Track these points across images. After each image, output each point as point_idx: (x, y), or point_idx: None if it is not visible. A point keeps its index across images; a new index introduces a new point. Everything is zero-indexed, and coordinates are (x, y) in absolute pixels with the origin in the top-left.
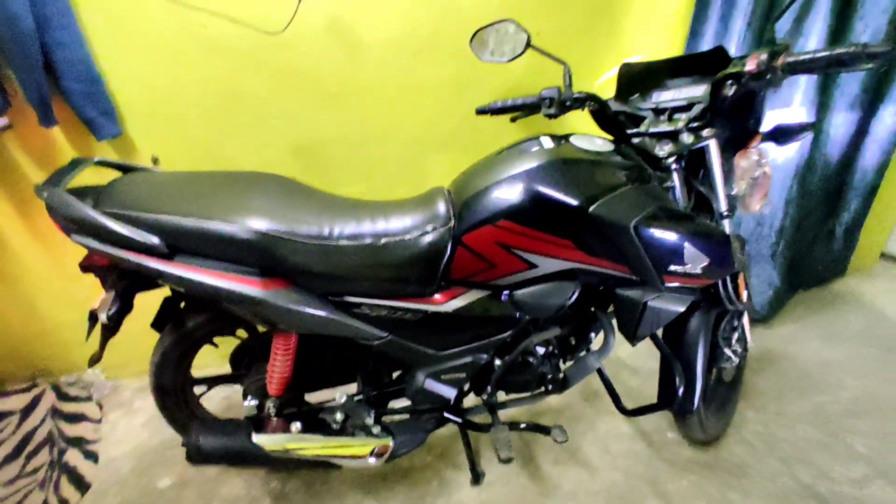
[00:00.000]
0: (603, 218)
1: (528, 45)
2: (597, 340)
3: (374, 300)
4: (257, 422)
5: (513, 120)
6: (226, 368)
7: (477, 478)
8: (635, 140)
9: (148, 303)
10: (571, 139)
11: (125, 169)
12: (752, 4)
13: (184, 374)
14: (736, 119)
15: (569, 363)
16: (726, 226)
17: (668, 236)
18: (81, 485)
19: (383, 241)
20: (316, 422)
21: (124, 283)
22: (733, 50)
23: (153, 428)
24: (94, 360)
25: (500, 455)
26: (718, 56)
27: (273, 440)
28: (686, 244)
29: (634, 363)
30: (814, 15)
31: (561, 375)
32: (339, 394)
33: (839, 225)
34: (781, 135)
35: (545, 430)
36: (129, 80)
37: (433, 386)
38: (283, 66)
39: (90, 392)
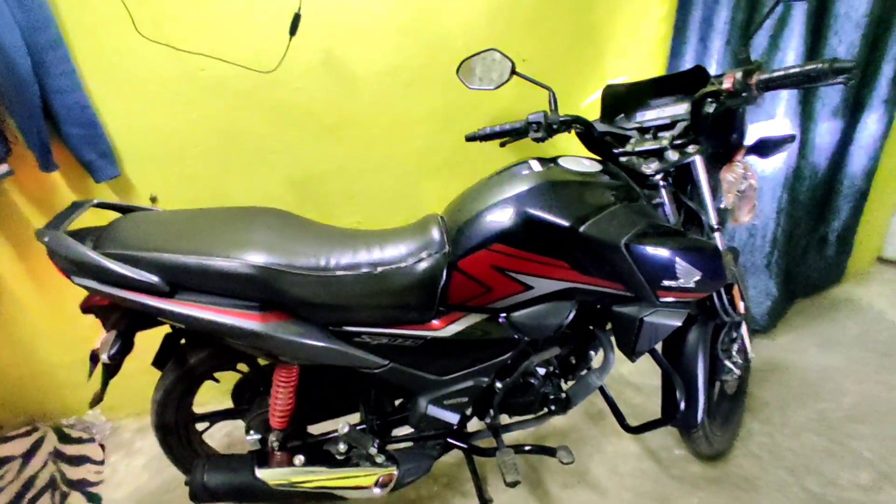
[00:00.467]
0: (594, 237)
1: (514, 72)
2: (597, 358)
3: (374, 328)
4: (261, 456)
5: (502, 145)
6: (227, 404)
7: None
8: (622, 159)
9: (145, 342)
10: (559, 161)
11: (124, 209)
12: (729, 24)
13: (186, 412)
14: (719, 134)
15: (570, 383)
16: (717, 239)
17: (659, 252)
18: None
19: (380, 269)
20: (319, 454)
21: (125, 322)
22: (714, 68)
23: (153, 469)
24: (96, 400)
25: (506, 479)
26: (698, 75)
27: (277, 474)
28: (677, 259)
29: (637, 380)
30: (788, 31)
31: (563, 395)
32: (342, 424)
33: (831, 231)
34: (765, 147)
35: (551, 452)
36: (127, 123)
37: (436, 412)
38: (279, 102)
39: (92, 433)
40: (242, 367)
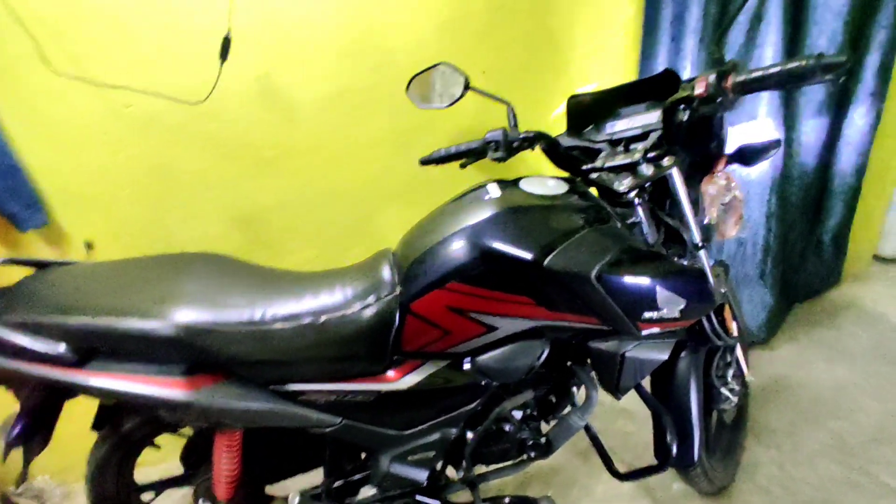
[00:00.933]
0: (561, 270)
1: (468, 87)
2: (580, 394)
3: (320, 385)
4: None
5: (462, 166)
6: (177, 469)
7: None
8: (593, 175)
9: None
10: (521, 183)
11: (38, 265)
12: (702, 22)
13: (126, 482)
14: (696, 143)
15: (552, 423)
16: (703, 257)
17: (636, 281)
18: None
19: (323, 318)
20: None
21: (37, 397)
22: (688, 69)
23: None
24: (20, 480)
25: None
26: (669, 79)
27: None
28: (658, 287)
29: (629, 405)
30: (765, 25)
31: (543, 439)
32: (292, 494)
33: (826, 232)
34: (748, 155)
35: (532, 503)
36: (53, 167)
37: (400, 469)
38: (215, 135)
39: (42, 501)
40: (187, 429)
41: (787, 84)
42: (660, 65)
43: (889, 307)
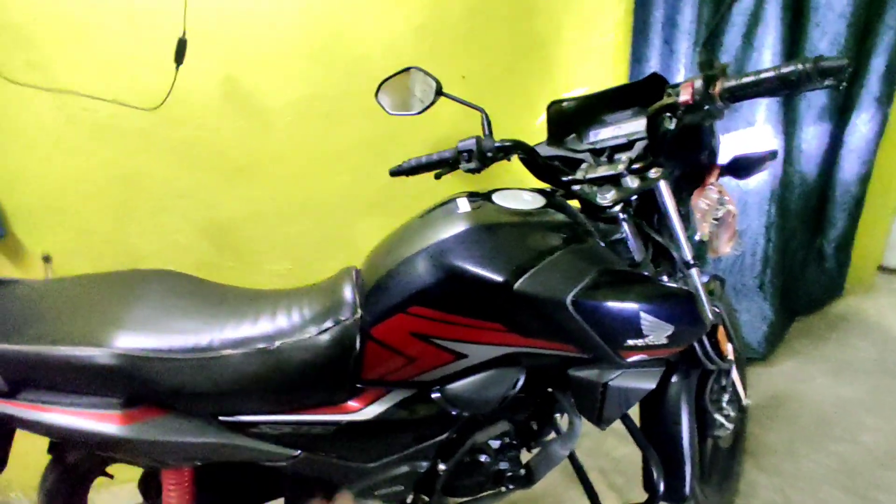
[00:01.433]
0: (533, 294)
1: (439, 93)
2: (563, 421)
3: (275, 416)
4: None
5: (437, 177)
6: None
7: None
8: (575, 188)
9: None
10: (494, 197)
11: None
12: (696, 23)
13: None
14: (685, 154)
15: (534, 450)
16: (694, 276)
17: (617, 307)
18: None
19: (277, 343)
20: None
21: None
22: (682, 73)
23: None
24: None
25: None
26: (655, 84)
27: None
28: (642, 313)
29: (621, 426)
30: (763, 27)
31: (523, 470)
32: None
33: (828, 243)
34: (742, 166)
35: None
36: (8, 176)
37: None
38: (179, 142)
39: None
40: None
41: (781, 90)
42: (652, 68)
43: (891, 318)
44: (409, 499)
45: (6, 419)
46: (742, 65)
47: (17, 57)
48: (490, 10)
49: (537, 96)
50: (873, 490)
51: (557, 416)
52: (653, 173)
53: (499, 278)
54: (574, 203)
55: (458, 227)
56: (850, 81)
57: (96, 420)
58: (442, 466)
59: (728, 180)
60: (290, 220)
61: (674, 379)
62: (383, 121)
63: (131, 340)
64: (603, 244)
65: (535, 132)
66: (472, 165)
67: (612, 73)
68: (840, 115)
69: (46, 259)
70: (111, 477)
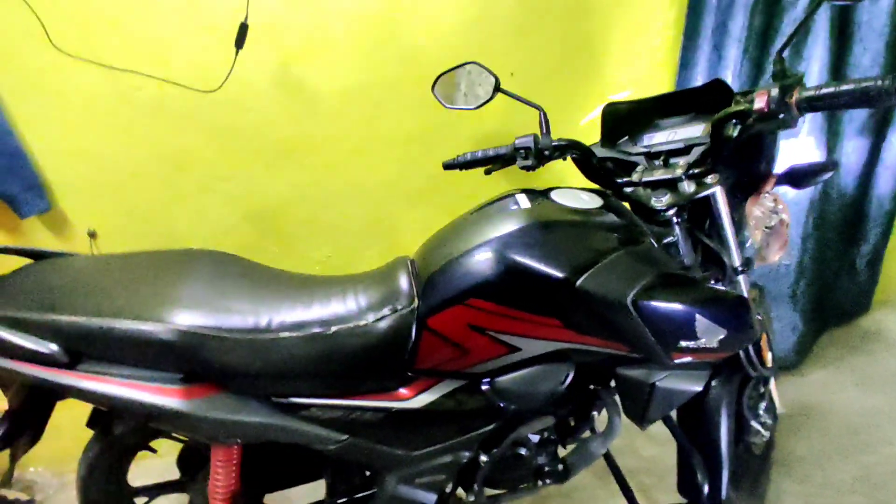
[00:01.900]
0: (594, 292)
1: (498, 88)
2: (601, 418)
3: (326, 400)
4: None
5: (487, 172)
6: (172, 471)
7: None
8: (627, 190)
9: None
10: (552, 195)
11: (35, 255)
12: (747, 31)
13: (119, 487)
14: (744, 161)
15: (569, 447)
16: (742, 283)
17: (674, 308)
18: None
19: (333, 329)
20: None
21: (23, 396)
22: (730, 79)
23: None
24: (4, 482)
25: None
26: (718, 90)
27: None
28: (697, 316)
29: (650, 427)
30: (813, 39)
31: (560, 465)
32: None
33: (860, 257)
34: (799, 176)
35: None
36: (57, 150)
37: (408, 492)
38: (229, 125)
39: (32, 494)
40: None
41: (858, 104)
42: (699, 73)
43: None
44: (449, 488)
45: (60, 390)
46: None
47: (73, 31)
48: (541, 8)
49: (583, 97)
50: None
51: (595, 414)
52: (710, 179)
53: (560, 275)
54: (625, 205)
55: (519, 223)
56: None
57: (158, 393)
58: (484, 458)
59: (784, 190)
60: (332, 207)
61: (714, 384)
62: (431, 113)
63: (191, 318)
64: (656, 246)
65: (579, 132)
66: (529, 163)
67: (660, 76)
68: (878, 131)
69: (92, 234)
70: (154, 451)
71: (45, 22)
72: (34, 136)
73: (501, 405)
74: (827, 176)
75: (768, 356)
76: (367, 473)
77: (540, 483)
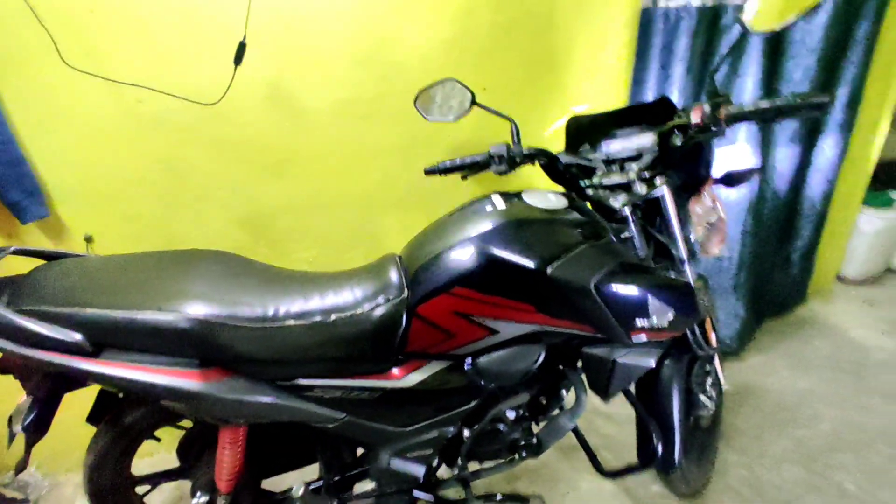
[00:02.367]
0: (562, 279)
1: (474, 102)
2: (569, 398)
3: (327, 381)
4: None
5: (464, 178)
6: (171, 461)
7: None
8: (589, 191)
9: (83, 391)
10: (524, 196)
11: (48, 256)
12: (689, 52)
13: (124, 474)
14: (686, 166)
15: (542, 424)
16: (688, 272)
17: (630, 292)
18: None
19: (333, 317)
20: None
21: (46, 385)
22: (675, 95)
23: None
24: (20, 467)
25: None
26: (664, 105)
27: None
28: (650, 298)
29: (609, 409)
30: (747, 58)
31: (534, 440)
32: (297, 485)
33: (794, 252)
34: (731, 178)
35: (523, 500)
36: (57, 159)
37: (399, 465)
38: (225, 136)
39: (26, 493)
40: (186, 422)
41: (776, 118)
42: (649, 89)
43: (848, 323)
44: (435, 462)
45: (85, 376)
46: (729, 89)
47: (78, 44)
48: (511, 30)
49: (548, 109)
50: (828, 470)
51: (563, 392)
52: (658, 181)
53: (533, 265)
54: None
55: (495, 221)
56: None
57: (177, 377)
58: (466, 433)
59: (720, 190)
60: (320, 213)
61: (667, 362)
62: (411, 125)
63: (205, 309)
64: (615, 240)
65: (544, 141)
66: (503, 168)
67: (615, 91)
68: (809, 138)
69: (88, 240)
70: (159, 440)
71: (53, 36)
72: (36, 146)
73: (482, 383)
74: (754, 178)
75: (712, 337)
76: (358, 455)
77: (517, 456)
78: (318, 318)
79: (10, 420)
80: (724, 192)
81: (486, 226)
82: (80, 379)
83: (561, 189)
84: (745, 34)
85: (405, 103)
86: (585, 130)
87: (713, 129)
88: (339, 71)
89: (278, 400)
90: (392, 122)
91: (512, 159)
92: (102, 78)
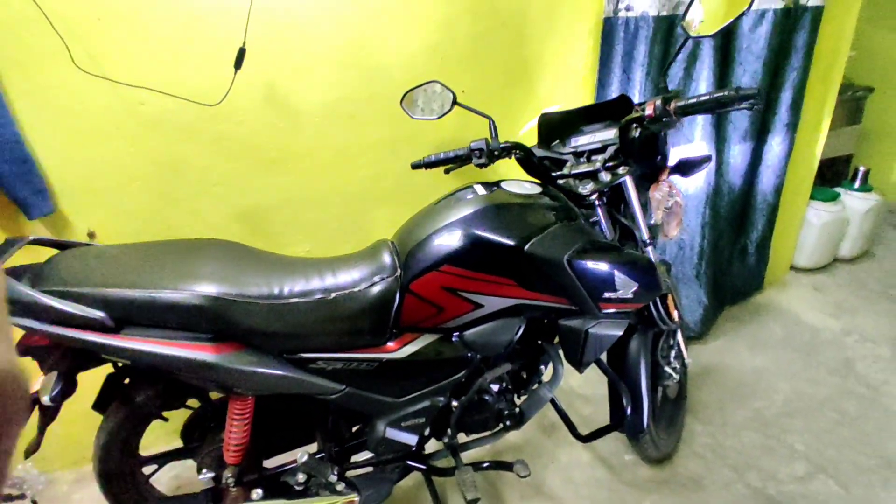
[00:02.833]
0: (538, 255)
1: (455, 102)
2: (547, 372)
3: (329, 353)
4: (215, 494)
5: (447, 172)
6: (173, 445)
7: None
8: (560, 181)
9: (80, 387)
10: (502, 185)
11: (62, 245)
12: (648, 58)
13: (132, 455)
14: (645, 157)
15: (523, 397)
16: (650, 253)
17: (598, 266)
18: None
19: (333, 295)
20: (277, 486)
21: (66, 362)
22: (637, 96)
23: None
24: (32, 449)
25: (466, 496)
26: (623, 103)
27: None
28: (616, 272)
29: (586, 392)
30: (700, 64)
31: (517, 410)
32: (301, 453)
33: (750, 242)
34: (685, 167)
35: (508, 466)
36: (62, 157)
37: (394, 434)
38: (222, 135)
39: (23, 490)
40: (193, 402)
41: (716, 108)
42: (613, 92)
43: (799, 307)
44: (427, 431)
45: (107, 350)
46: (684, 92)
47: (85, 49)
48: (489, 38)
49: (522, 110)
50: (781, 434)
51: (542, 367)
52: (621, 170)
53: (512, 243)
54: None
55: (478, 206)
56: (765, 110)
57: (193, 349)
58: (455, 403)
59: (676, 178)
60: (313, 208)
61: (634, 337)
62: (397, 124)
63: (218, 288)
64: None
65: (519, 140)
66: (482, 161)
67: (583, 94)
68: (759, 136)
69: (91, 235)
70: (166, 420)
71: (65, 40)
72: (42, 145)
73: (468, 354)
74: (706, 166)
75: (675, 313)
76: (354, 430)
77: (502, 426)
78: (319, 296)
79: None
80: (683, 185)
81: (469, 210)
82: (98, 355)
83: (535, 180)
84: (687, 38)
85: (389, 104)
86: (556, 127)
87: (664, 119)
88: (330, 74)
89: (285, 371)
90: (379, 122)
91: (491, 153)
92: (107, 80)
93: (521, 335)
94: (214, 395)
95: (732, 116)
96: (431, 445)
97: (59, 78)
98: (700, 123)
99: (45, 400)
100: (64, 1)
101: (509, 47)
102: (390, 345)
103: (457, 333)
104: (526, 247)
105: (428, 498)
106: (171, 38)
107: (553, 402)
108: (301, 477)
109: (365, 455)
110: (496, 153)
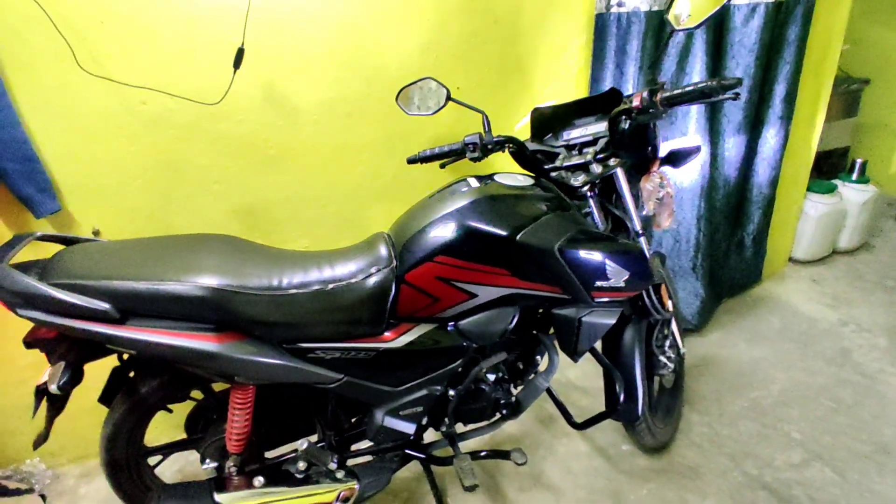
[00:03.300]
0: (530, 245)
1: (449, 98)
2: (543, 362)
3: (328, 343)
4: (219, 482)
5: (442, 166)
6: (176, 437)
7: None
8: (553, 174)
9: (86, 382)
10: (496, 178)
11: (68, 241)
12: (640, 52)
13: (137, 446)
14: (636, 148)
15: (519, 387)
16: (643, 243)
17: (590, 255)
18: None
19: (331, 286)
20: (279, 474)
21: (73, 354)
22: (630, 90)
23: None
24: (40, 440)
25: (464, 483)
26: (613, 96)
27: (237, 497)
28: (607, 261)
29: (583, 384)
30: (692, 58)
31: (513, 399)
32: (301, 441)
33: (747, 235)
34: (676, 158)
35: (505, 455)
36: (67, 157)
37: (392, 423)
38: (222, 134)
39: (31, 484)
40: (196, 394)
41: (700, 99)
42: (607, 85)
43: (797, 299)
44: (424, 420)
45: (112, 341)
46: (675, 85)
47: (88, 50)
48: (483, 35)
49: (517, 106)
50: (778, 422)
51: (538, 357)
52: (612, 162)
53: (505, 233)
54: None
55: (471, 198)
56: (759, 102)
57: (196, 340)
58: (452, 392)
59: (667, 169)
60: (311, 204)
61: (628, 326)
62: (393, 121)
63: (221, 280)
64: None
65: (514, 134)
66: (476, 155)
67: (576, 89)
68: (753, 128)
69: (96, 233)
70: (171, 411)
71: (69, 42)
72: (48, 144)
73: (464, 344)
74: (695, 156)
75: (668, 303)
76: (353, 419)
77: (498, 415)
78: (318, 287)
79: (39, 390)
80: (677, 177)
81: (463, 202)
82: (104, 346)
83: (529, 173)
84: (672, 31)
85: (385, 101)
86: (548, 121)
87: (651, 110)
88: (327, 73)
89: (285, 361)
90: (375, 119)
91: (484, 147)
92: (109, 80)
93: (516, 325)
94: (217, 387)
95: (726, 109)
96: (430, 435)
97: (63, 79)
98: (693, 117)
99: (53, 388)
100: (68, 5)
101: (503, 44)
102: (387, 334)
103: (452, 323)
104: (518, 236)
105: (426, 490)
106: (172, 40)
107: (549, 392)
108: (302, 465)
109: (365, 444)
110: (489, 147)
